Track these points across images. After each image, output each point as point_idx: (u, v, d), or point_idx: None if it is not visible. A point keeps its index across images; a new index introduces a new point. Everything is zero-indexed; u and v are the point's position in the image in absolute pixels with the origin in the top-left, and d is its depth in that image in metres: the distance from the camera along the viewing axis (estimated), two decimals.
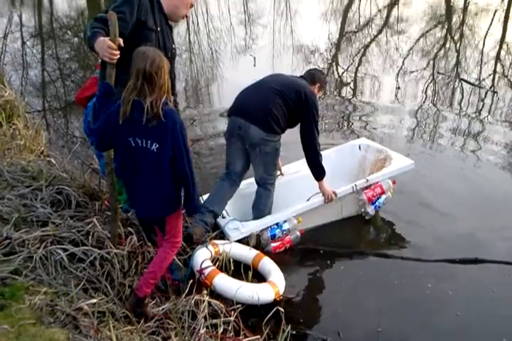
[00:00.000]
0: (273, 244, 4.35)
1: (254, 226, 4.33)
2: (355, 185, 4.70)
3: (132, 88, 2.87)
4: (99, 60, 3.61)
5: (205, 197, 4.48)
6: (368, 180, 4.75)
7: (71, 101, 7.41)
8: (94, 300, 3.08)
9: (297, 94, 4.26)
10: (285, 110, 4.25)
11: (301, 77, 4.57)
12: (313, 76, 4.57)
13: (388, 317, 3.77)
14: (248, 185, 4.84)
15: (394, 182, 4.89)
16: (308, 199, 4.61)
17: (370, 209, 4.82)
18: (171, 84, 3.48)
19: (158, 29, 3.44)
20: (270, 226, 4.36)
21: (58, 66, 9.60)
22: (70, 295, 3.09)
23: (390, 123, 7.27)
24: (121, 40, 3.04)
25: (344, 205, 4.80)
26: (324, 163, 4.47)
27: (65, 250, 3.42)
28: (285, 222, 4.39)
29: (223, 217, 4.40)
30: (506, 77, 9.23)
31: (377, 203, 4.82)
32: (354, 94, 8.34)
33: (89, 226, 3.71)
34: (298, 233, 4.47)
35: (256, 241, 4.34)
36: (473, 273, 4.26)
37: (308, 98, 4.27)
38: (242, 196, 4.74)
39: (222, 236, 4.31)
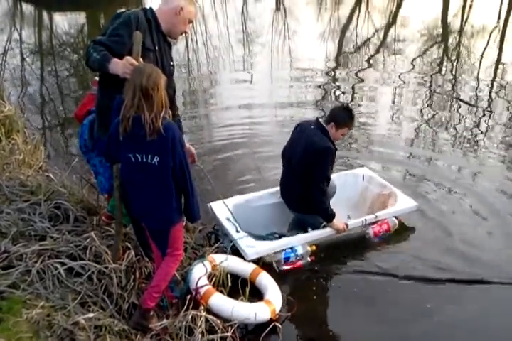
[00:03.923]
0: (285, 267, 4.37)
1: (270, 246, 4.34)
2: (365, 220, 4.77)
3: (130, 104, 2.89)
4: (96, 78, 3.70)
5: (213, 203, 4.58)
6: (376, 216, 4.82)
7: (70, 117, 7.42)
8: (91, 315, 3.09)
9: (308, 161, 4.32)
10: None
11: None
12: (328, 115, 4.46)
13: (385, 335, 3.77)
14: (258, 198, 4.90)
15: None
16: (322, 227, 4.61)
17: (374, 240, 4.88)
18: (171, 100, 3.54)
19: (156, 48, 3.49)
20: (284, 250, 4.38)
21: (57, 82, 9.64)
22: (67, 309, 3.09)
23: (387, 142, 7.24)
24: (141, 59, 3.16)
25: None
26: None
27: (62, 264, 3.44)
28: (299, 247, 4.43)
29: (237, 231, 4.39)
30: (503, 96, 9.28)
31: (380, 234, 4.89)
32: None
33: (87, 240, 3.73)
34: (309, 259, 4.51)
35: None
36: (476, 294, 4.23)
37: (313, 159, 4.29)
38: (253, 209, 4.79)
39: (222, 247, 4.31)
